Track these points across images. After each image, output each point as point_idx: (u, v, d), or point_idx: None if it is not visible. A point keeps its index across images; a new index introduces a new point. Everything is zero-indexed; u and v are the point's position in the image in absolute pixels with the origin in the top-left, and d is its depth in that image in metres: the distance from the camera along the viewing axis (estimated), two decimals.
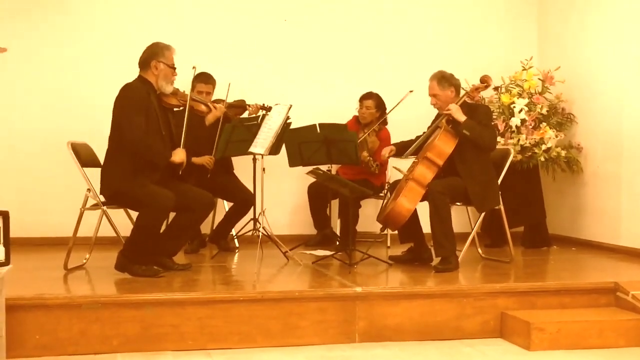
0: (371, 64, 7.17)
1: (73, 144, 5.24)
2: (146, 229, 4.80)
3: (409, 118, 6.43)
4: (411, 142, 5.58)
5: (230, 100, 6.05)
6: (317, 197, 6.48)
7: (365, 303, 4.45)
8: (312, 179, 5.97)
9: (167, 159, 4.91)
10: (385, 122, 6.53)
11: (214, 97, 6.23)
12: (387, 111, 6.44)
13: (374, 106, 6.48)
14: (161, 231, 5.00)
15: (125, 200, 4.97)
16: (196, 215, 5.03)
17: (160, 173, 4.91)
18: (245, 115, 6.15)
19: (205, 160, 5.94)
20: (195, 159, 5.93)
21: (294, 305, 4.36)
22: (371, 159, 6.21)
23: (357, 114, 6.60)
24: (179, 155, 4.95)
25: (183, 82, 5.26)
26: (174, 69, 5.02)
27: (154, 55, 4.95)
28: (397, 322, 4.47)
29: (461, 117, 5.23)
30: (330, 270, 5.25)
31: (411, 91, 6.03)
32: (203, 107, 5.36)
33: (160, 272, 4.87)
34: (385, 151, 5.59)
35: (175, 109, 5.20)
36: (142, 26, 6.73)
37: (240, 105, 6.16)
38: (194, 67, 5.26)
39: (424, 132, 5.53)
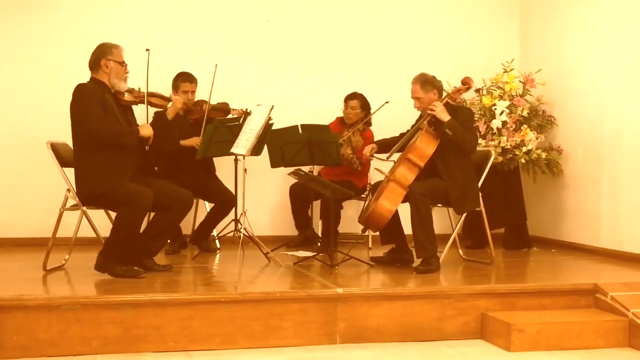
0: (353, 65, 7.17)
1: (53, 144, 5.20)
2: (125, 228, 4.77)
3: (392, 119, 6.46)
4: (392, 139, 5.59)
5: (214, 103, 6.05)
6: (299, 198, 6.48)
7: (346, 304, 4.45)
8: (294, 180, 5.96)
9: (137, 135, 4.87)
10: (369, 124, 6.54)
11: (196, 98, 6.23)
12: (368, 116, 6.45)
13: (359, 106, 6.49)
14: (141, 231, 4.97)
15: (103, 202, 4.93)
16: (175, 213, 4.99)
17: (134, 169, 4.88)
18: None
19: (195, 141, 5.90)
20: (183, 142, 5.86)
21: (275, 307, 4.35)
22: (354, 156, 6.21)
23: (341, 115, 6.61)
24: (146, 130, 4.92)
25: (138, 65, 5.10)
26: (125, 65, 4.98)
27: (103, 54, 4.93)
28: (378, 323, 4.48)
29: (445, 117, 5.24)
30: (311, 272, 5.25)
31: (387, 102, 6.08)
32: (161, 101, 5.22)
33: (141, 272, 4.84)
34: (367, 150, 5.57)
35: (133, 106, 5.14)
36: (124, 26, 6.70)
37: (223, 109, 6.13)
38: (147, 50, 5.10)
39: (408, 130, 5.54)
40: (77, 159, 4.91)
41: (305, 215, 6.58)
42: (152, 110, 5.35)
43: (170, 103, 5.22)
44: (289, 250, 6.21)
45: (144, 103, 5.05)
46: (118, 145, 4.81)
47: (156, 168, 5.23)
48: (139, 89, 5.10)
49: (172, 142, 5.78)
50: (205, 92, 6.14)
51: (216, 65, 5.95)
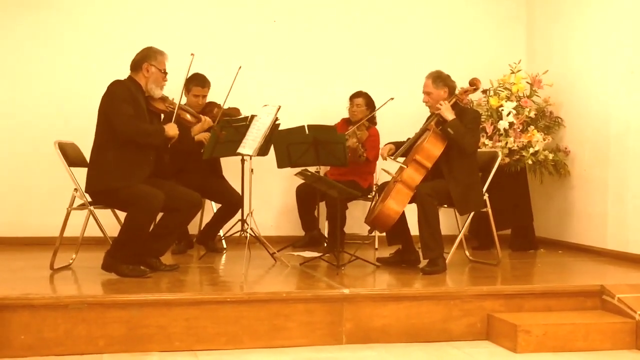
0: (360, 66, 7.17)
1: (60, 144, 5.20)
2: (135, 229, 4.78)
3: (397, 119, 6.48)
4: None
5: (225, 107, 6.05)
6: (305, 198, 6.48)
7: (352, 305, 4.45)
8: (300, 181, 5.96)
9: (162, 133, 4.89)
10: (374, 122, 6.56)
11: (208, 99, 6.22)
12: (372, 113, 6.46)
13: (364, 104, 6.52)
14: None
15: (113, 200, 4.94)
16: (183, 214, 5.01)
17: (149, 171, 4.90)
18: None
19: (205, 135, 5.90)
20: (198, 136, 5.85)
21: (281, 307, 4.35)
22: (360, 145, 6.22)
23: (346, 115, 6.62)
24: (172, 129, 4.94)
25: (180, 68, 5.18)
26: (165, 74, 5.03)
27: (147, 58, 4.97)
28: (384, 324, 4.47)
29: (449, 116, 5.25)
30: (317, 272, 5.25)
31: (392, 99, 6.08)
32: (190, 117, 5.28)
33: (147, 272, 4.85)
34: (384, 151, 5.54)
35: (162, 115, 5.18)
36: (130, 25, 6.72)
37: (234, 115, 6.12)
38: (192, 54, 5.16)
39: (415, 134, 5.54)
40: (96, 152, 4.92)
41: (311, 215, 6.58)
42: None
43: (197, 124, 5.29)
44: (295, 250, 6.21)
45: (173, 114, 5.06)
46: (143, 144, 4.84)
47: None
48: (172, 99, 5.12)
49: (188, 141, 5.79)
50: (213, 91, 6.16)
51: (240, 67, 5.91)
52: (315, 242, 6.48)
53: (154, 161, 4.97)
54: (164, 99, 5.08)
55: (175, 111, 5.07)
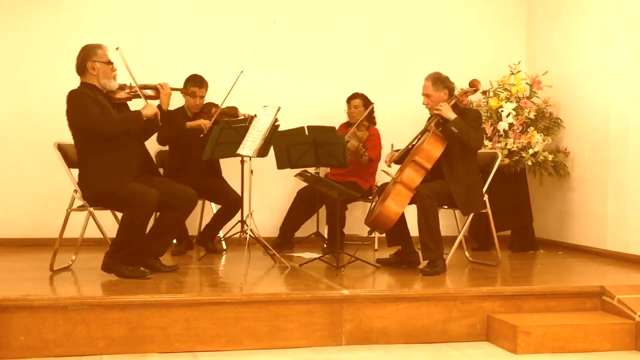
0: (360, 66, 7.17)
1: (60, 145, 5.21)
2: (131, 229, 4.78)
3: (398, 120, 6.48)
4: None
5: (223, 107, 6.07)
6: (302, 204, 6.46)
7: (352, 306, 4.45)
8: (301, 183, 5.96)
9: (141, 116, 4.85)
10: (374, 122, 6.56)
11: (206, 100, 6.23)
12: (372, 113, 6.48)
13: (362, 105, 6.54)
14: (147, 232, 4.97)
15: (109, 202, 4.94)
16: (180, 211, 5.00)
17: (137, 168, 4.89)
18: None
19: (201, 122, 5.89)
20: (189, 123, 5.85)
21: (280, 308, 4.36)
22: (360, 144, 6.23)
23: (345, 118, 6.62)
24: (150, 109, 4.90)
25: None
26: (111, 64, 4.95)
27: (87, 57, 4.91)
28: (383, 325, 4.47)
29: (451, 115, 5.24)
30: (317, 273, 5.25)
31: (373, 103, 6.34)
32: (154, 93, 5.11)
33: (147, 273, 4.85)
34: (387, 157, 5.57)
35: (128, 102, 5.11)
36: (131, 27, 6.71)
37: (232, 113, 6.13)
38: (117, 48, 4.96)
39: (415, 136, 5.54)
40: (81, 162, 4.92)
41: (300, 222, 6.54)
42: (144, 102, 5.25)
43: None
44: (295, 251, 6.20)
45: (138, 97, 5.00)
46: (125, 133, 4.80)
47: (161, 169, 5.23)
48: (130, 84, 5.04)
49: (176, 127, 5.79)
50: (213, 92, 6.16)
51: (241, 72, 5.94)
52: (289, 245, 6.44)
53: (142, 156, 4.94)
54: (122, 87, 5.01)
55: (139, 93, 4.99)
